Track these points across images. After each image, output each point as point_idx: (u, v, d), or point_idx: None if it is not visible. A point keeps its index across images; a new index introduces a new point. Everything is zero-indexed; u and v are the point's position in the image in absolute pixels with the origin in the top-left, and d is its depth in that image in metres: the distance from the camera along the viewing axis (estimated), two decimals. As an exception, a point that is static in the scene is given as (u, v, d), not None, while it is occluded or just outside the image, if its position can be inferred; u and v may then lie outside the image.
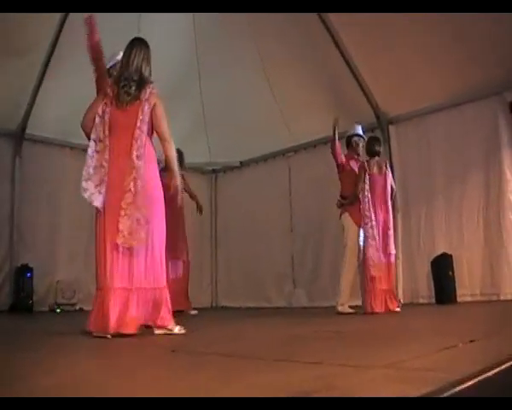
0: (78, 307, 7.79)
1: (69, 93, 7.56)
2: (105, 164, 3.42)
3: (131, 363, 2.15)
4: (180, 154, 6.85)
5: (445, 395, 1.20)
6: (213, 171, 10.09)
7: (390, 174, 6.16)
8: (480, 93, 6.78)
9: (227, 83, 8.36)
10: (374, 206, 5.93)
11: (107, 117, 3.50)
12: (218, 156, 9.67)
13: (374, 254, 5.75)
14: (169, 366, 2.07)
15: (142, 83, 3.55)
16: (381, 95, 7.64)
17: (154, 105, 3.52)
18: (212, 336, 3.47)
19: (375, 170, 6.04)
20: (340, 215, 6.18)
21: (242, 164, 9.78)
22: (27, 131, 7.83)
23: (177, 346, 2.79)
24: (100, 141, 3.47)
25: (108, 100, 3.55)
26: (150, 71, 3.67)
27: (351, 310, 5.83)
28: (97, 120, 3.51)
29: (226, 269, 9.72)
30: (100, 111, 3.53)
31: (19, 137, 7.78)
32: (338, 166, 6.35)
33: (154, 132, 3.63)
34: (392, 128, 7.78)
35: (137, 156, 3.38)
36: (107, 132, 3.48)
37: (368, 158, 6.15)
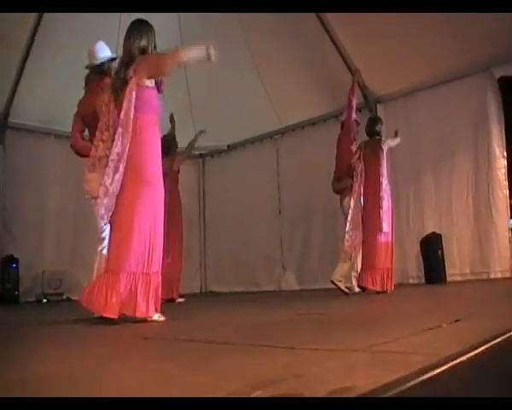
0: (65, 297, 7.70)
1: (52, 80, 7.44)
2: (108, 153, 3.35)
3: (122, 353, 2.09)
4: (173, 137, 6.82)
5: (421, 378, 1.13)
6: (200, 155, 9.96)
7: (384, 152, 6.01)
8: (468, 70, 6.72)
9: (213, 67, 8.19)
10: (364, 188, 5.88)
11: (111, 106, 3.42)
12: (205, 140, 9.51)
13: (352, 231, 5.76)
14: (145, 355, 1.99)
15: (130, 62, 3.41)
16: (369, 74, 7.53)
17: (142, 75, 3.34)
18: (196, 323, 3.37)
19: (368, 152, 5.96)
20: (341, 202, 6.17)
21: (230, 147, 9.67)
22: (10, 119, 7.67)
23: (156, 334, 2.71)
24: (106, 130, 3.41)
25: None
26: (144, 46, 3.46)
27: (345, 289, 5.81)
28: (104, 108, 3.46)
29: (215, 254, 9.65)
30: (106, 99, 3.47)
31: (1, 124, 7.61)
32: (343, 132, 6.26)
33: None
34: (380, 107, 7.69)
35: (120, 135, 3.25)
36: (111, 122, 3.40)
37: (367, 138, 6.08)
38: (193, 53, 3.44)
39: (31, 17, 6.81)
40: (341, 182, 6.21)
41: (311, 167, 8.30)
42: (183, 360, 1.70)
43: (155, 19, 6.66)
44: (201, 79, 8.43)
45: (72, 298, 7.74)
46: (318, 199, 8.19)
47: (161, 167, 3.47)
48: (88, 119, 4.11)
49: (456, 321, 2.20)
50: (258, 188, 9.01)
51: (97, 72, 4.24)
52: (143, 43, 3.46)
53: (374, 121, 6.22)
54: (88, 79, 4.34)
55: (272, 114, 8.64)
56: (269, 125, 8.88)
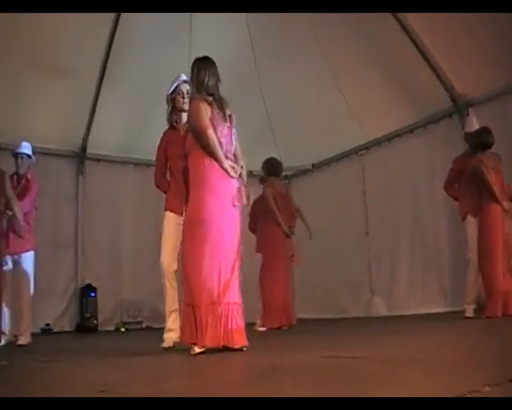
0: (144, 326, 7.61)
1: (125, 109, 7.48)
2: None
3: None
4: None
5: None
6: (286, 176, 9.56)
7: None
8: None
9: (289, 84, 7.84)
10: None
11: None
12: (290, 161, 9.15)
13: None
14: None
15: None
16: (457, 75, 6.73)
17: None
18: (184, 364, 2.94)
19: (490, 166, 5.40)
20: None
21: (315, 167, 9.21)
22: (89, 150, 7.85)
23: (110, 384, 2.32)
24: None
25: None
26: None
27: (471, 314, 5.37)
28: None
29: (301, 278, 9.10)
30: None
31: (80, 157, 7.81)
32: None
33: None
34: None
35: None
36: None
37: (480, 153, 5.47)
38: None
39: (100, 49, 6.90)
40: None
41: (399, 183, 7.65)
42: None
43: (224, 17, 6.58)
44: (278, 97, 8.08)
45: (153, 326, 7.64)
46: (407, 218, 7.50)
47: None
48: None
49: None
50: (345, 208, 8.47)
51: None
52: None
53: (488, 132, 5.56)
54: None
55: (356, 127, 8.03)
56: (353, 140, 8.31)
